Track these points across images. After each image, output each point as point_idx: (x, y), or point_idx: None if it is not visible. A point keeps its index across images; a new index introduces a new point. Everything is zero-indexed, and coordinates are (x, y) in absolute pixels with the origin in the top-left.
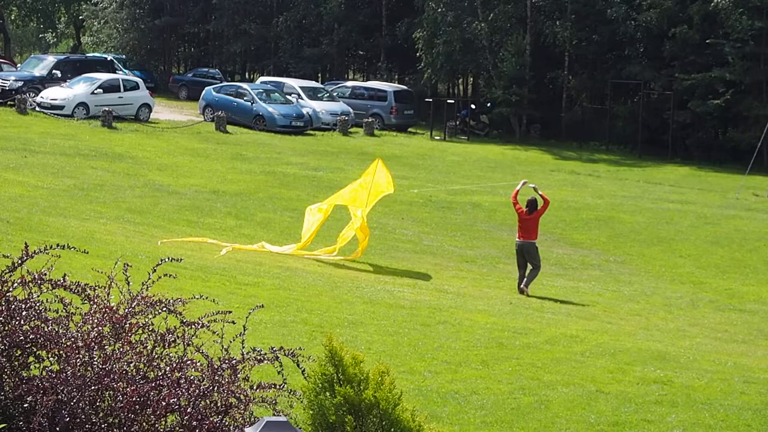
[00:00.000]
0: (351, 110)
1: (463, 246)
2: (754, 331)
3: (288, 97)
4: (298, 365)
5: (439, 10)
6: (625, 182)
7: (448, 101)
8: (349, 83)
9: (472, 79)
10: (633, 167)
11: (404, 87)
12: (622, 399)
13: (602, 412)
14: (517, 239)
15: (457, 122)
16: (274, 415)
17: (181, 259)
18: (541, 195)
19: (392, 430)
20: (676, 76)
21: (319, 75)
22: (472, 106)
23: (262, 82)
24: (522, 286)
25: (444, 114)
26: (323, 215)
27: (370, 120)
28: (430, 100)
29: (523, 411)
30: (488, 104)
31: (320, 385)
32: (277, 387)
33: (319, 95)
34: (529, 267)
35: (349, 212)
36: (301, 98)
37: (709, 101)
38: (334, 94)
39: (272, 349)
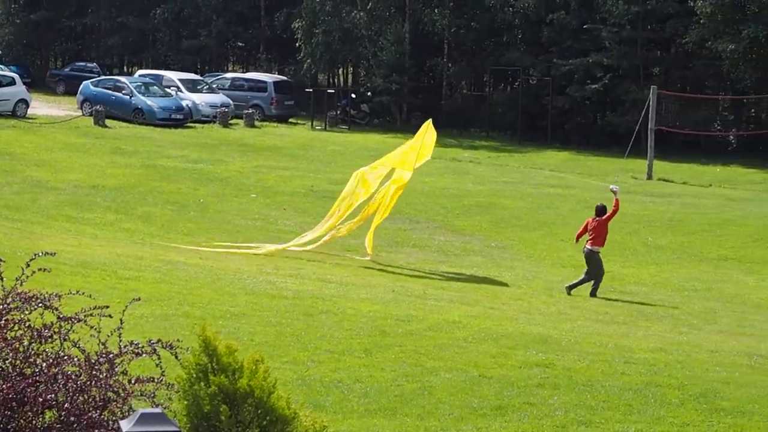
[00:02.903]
0: (231, 102)
1: (345, 235)
2: (634, 313)
3: (167, 89)
4: (176, 357)
5: (318, 0)
6: (506, 168)
7: (329, 91)
8: (229, 75)
9: (352, 68)
10: (513, 153)
11: (284, 77)
12: (504, 383)
13: (485, 397)
14: (586, 246)
15: (338, 112)
16: (152, 407)
17: (54, 253)
18: (615, 200)
19: (267, 418)
20: (555, 62)
21: (198, 67)
22: (353, 96)
23: (140, 75)
24: (567, 286)
25: (325, 104)
26: (364, 189)
27: (250, 111)
28: (311, 90)
29: (406, 398)
30: (368, 93)
31: (194, 375)
32: (156, 380)
33: (198, 87)
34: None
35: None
36: (181, 91)
37: (587, 86)
38: (214, 86)
39: (150, 342)
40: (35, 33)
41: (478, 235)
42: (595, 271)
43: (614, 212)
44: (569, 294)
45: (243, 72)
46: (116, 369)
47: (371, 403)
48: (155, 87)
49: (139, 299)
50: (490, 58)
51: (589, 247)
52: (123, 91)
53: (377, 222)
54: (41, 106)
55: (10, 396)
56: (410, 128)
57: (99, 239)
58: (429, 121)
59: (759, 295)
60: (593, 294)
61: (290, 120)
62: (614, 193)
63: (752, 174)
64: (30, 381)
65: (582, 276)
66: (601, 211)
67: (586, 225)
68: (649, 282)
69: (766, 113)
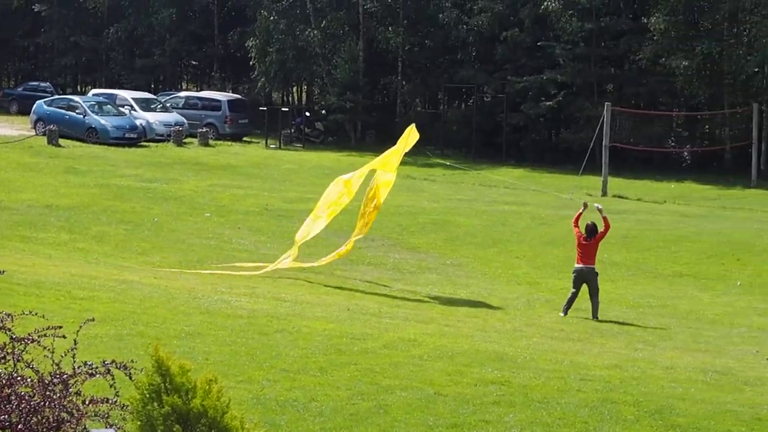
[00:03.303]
0: (185, 120)
1: (300, 254)
2: (590, 329)
3: (121, 108)
4: (130, 378)
5: (272, 18)
6: (461, 186)
7: (283, 109)
8: (183, 93)
9: (306, 86)
10: (468, 170)
11: (238, 96)
12: (460, 400)
13: (441, 414)
14: (576, 264)
15: (292, 130)
16: (106, 428)
17: (3, 272)
18: (603, 218)
19: None
20: (509, 79)
21: (152, 86)
22: (307, 114)
23: (94, 95)
24: (593, 318)
25: (279, 122)
26: (347, 194)
27: (204, 130)
28: (265, 108)
29: (361, 416)
30: (323, 111)
31: (148, 395)
32: (110, 401)
33: (152, 106)
34: (587, 291)
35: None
36: (134, 110)
37: (541, 103)
38: (168, 104)
39: (104, 362)
40: None
41: (433, 253)
42: (597, 285)
43: (606, 230)
44: (565, 314)
45: (197, 91)
46: (70, 390)
47: (326, 422)
48: (109, 106)
49: (93, 319)
50: (444, 76)
51: (587, 265)
52: (76, 111)
53: (359, 233)
54: None
55: None
56: (365, 146)
57: (53, 259)
58: (412, 125)
59: (713, 311)
60: (596, 314)
61: (244, 138)
62: (600, 211)
63: (706, 190)
64: None
65: (592, 297)
66: (592, 230)
67: (578, 239)
68: (605, 298)
69: (719, 129)
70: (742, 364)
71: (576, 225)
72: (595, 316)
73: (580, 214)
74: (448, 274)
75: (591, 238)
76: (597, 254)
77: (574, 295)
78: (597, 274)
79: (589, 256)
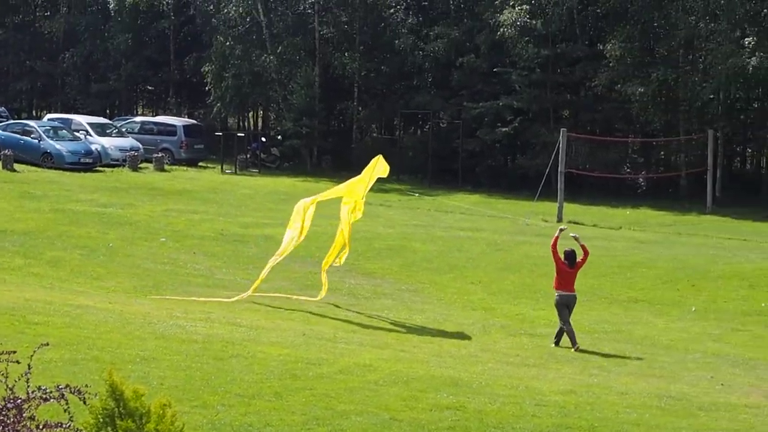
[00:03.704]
0: (140, 146)
1: (255, 278)
2: (545, 355)
3: (76, 133)
4: (84, 402)
5: (228, 43)
6: (417, 211)
7: (239, 134)
8: (138, 118)
9: (262, 111)
10: (424, 196)
11: (194, 121)
12: (415, 426)
13: None
14: (561, 291)
15: (248, 155)
16: None
17: None
18: (581, 246)
19: None
20: (465, 105)
21: (108, 111)
22: (263, 139)
23: (49, 119)
24: (575, 349)
25: (235, 147)
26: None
27: (159, 155)
28: (221, 133)
29: None
30: (279, 137)
31: (101, 420)
32: (64, 425)
33: (107, 131)
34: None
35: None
36: (90, 135)
37: (497, 129)
38: (123, 129)
39: (58, 387)
40: None
41: (388, 278)
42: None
43: (586, 257)
44: (557, 345)
45: (152, 116)
46: (24, 414)
47: None
48: (64, 131)
49: (48, 344)
50: (400, 102)
51: (568, 292)
52: (32, 135)
53: (331, 260)
54: None
55: None
56: (320, 172)
57: (7, 284)
58: (380, 156)
59: (668, 337)
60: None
61: (200, 164)
62: (576, 239)
63: (661, 216)
64: None
65: (560, 324)
66: (572, 257)
67: (560, 267)
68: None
69: (675, 156)
70: (696, 389)
71: (555, 251)
72: (575, 346)
73: (557, 237)
74: (404, 300)
75: (573, 266)
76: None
77: (565, 318)
78: (576, 299)
79: (571, 282)
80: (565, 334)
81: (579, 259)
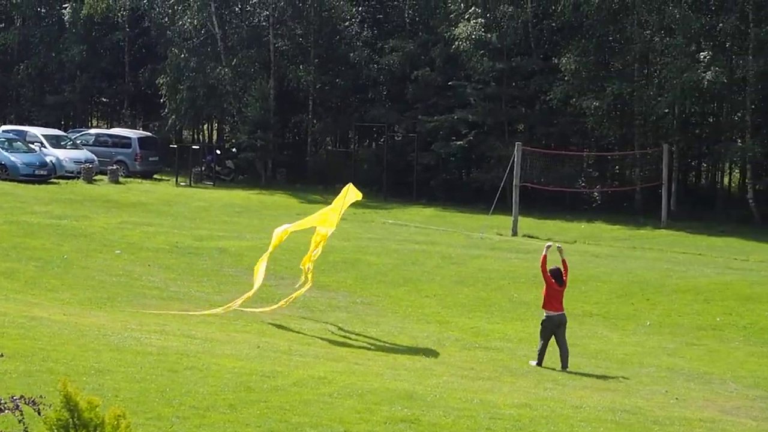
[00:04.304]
0: (95, 158)
1: (210, 291)
2: (500, 368)
3: (31, 145)
4: (39, 413)
5: (182, 56)
6: (371, 224)
7: (193, 147)
8: (93, 131)
9: (217, 124)
10: (379, 209)
11: (149, 133)
12: None
13: None
14: (551, 312)
15: (203, 168)
16: None
17: None
18: (562, 260)
19: None
20: (420, 119)
21: (62, 123)
22: (218, 152)
23: (3, 131)
24: (564, 368)
25: (189, 160)
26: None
27: (114, 167)
28: (175, 146)
29: None
30: (233, 149)
31: (56, 430)
32: None
33: (62, 143)
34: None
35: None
36: (44, 146)
37: (452, 143)
38: (78, 141)
39: (12, 398)
40: None
41: (342, 291)
42: (554, 335)
43: (566, 272)
44: (540, 365)
45: (107, 128)
46: None
47: None
48: (19, 143)
49: (2, 355)
50: (355, 115)
51: (559, 312)
52: None
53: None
54: None
55: None
56: (275, 185)
57: None
58: (350, 184)
59: (623, 351)
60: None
61: (155, 176)
62: (560, 251)
63: (616, 230)
64: None
65: (561, 345)
66: (560, 276)
67: (550, 286)
68: (515, 338)
69: (629, 170)
70: (651, 403)
71: (545, 269)
72: (565, 365)
73: (545, 256)
74: (358, 313)
75: (561, 284)
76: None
77: (546, 346)
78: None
79: (560, 301)
80: (545, 353)
81: (564, 277)
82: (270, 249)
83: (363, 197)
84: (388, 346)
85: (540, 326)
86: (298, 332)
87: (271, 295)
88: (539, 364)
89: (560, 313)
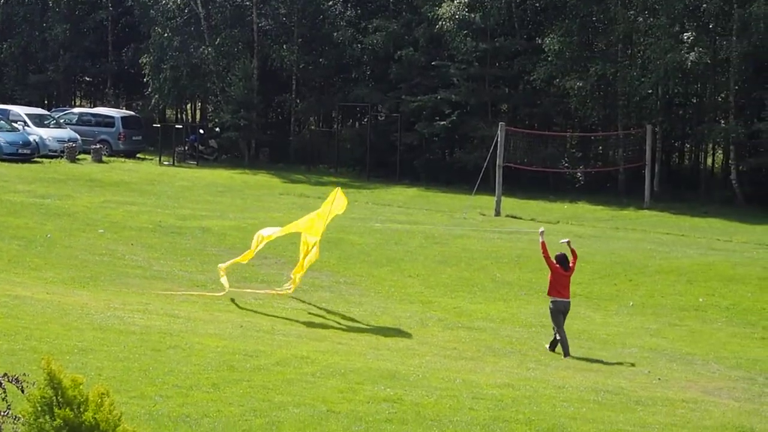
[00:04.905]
0: (78, 137)
1: (193, 270)
2: (483, 348)
3: (14, 124)
4: (22, 391)
5: (166, 35)
6: (354, 204)
7: (177, 126)
8: (76, 110)
9: (200, 103)
10: (362, 189)
11: (132, 113)
12: (353, 418)
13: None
14: (555, 298)
15: (186, 147)
16: None
17: None
18: (572, 250)
19: None
20: (403, 98)
21: (46, 102)
22: (201, 131)
23: None
24: (566, 356)
25: (173, 139)
26: (262, 240)
27: (98, 146)
28: (159, 125)
29: None
30: (217, 129)
31: (40, 408)
32: (2, 413)
33: (45, 122)
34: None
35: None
36: (28, 126)
37: (435, 123)
38: (61, 120)
39: None
40: None
41: (326, 271)
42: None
43: (575, 260)
44: (552, 351)
45: (90, 107)
46: None
47: None
48: (2, 122)
49: None
50: (338, 94)
51: (566, 298)
52: None
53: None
54: None
55: None
56: (258, 164)
57: None
58: (338, 188)
59: (606, 331)
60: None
61: (138, 155)
62: (568, 244)
63: (599, 211)
64: None
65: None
66: (565, 261)
67: (556, 272)
68: (497, 318)
69: (613, 150)
70: (633, 384)
71: (547, 255)
72: (561, 352)
73: (543, 243)
74: (342, 292)
75: (567, 269)
76: (488, 276)
77: (564, 334)
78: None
79: (567, 288)
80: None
81: (571, 263)
82: (250, 253)
83: (346, 178)
84: (372, 325)
85: (550, 315)
86: (280, 312)
87: (254, 274)
88: (566, 354)
89: (566, 299)
